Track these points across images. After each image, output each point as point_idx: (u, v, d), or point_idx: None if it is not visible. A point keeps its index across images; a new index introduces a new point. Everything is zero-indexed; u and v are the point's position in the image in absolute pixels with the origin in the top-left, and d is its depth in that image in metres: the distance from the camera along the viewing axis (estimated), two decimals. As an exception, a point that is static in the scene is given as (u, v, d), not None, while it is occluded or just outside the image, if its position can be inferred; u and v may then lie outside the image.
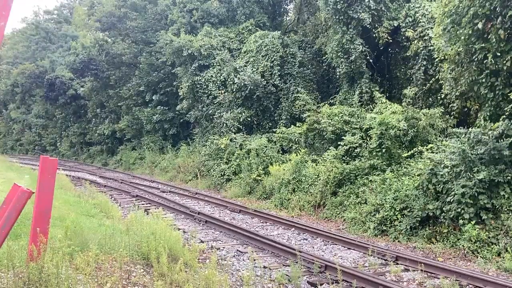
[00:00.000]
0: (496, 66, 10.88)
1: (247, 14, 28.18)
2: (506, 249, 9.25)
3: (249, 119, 23.15)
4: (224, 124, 23.45)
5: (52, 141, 51.22)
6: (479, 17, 10.91)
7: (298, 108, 20.72)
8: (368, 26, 17.87)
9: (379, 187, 12.91)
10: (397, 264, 9.07)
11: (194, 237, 11.17)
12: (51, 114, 50.06)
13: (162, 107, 32.36)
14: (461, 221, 10.11)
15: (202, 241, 11.02)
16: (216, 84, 25.29)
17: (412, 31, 16.86)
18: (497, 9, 10.46)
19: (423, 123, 14.23)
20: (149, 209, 14.83)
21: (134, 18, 34.27)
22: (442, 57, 13.54)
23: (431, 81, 16.04)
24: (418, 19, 16.98)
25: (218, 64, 25.58)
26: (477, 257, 9.34)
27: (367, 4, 17.62)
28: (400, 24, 17.78)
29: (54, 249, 5.98)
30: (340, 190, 14.54)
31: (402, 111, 14.82)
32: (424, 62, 16.44)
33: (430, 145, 12.93)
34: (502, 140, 10.29)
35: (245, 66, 23.38)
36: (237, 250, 10.31)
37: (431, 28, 15.52)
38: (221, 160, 22.07)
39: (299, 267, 8.39)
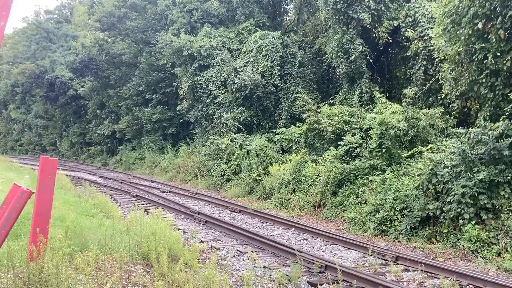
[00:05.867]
0: (496, 66, 10.88)
1: (247, 14, 28.17)
2: (506, 249, 9.26)
3: (249, 119, 23.15)
4: (224, 124, 23.45)
5: (52, 141, 51.24)
6: (479, 17, 10.90)
7: (298, 108, 20.71)
8: (368, 26, 17.86)
9: (379, 187, 12.91)
10: (397, 264, 9.07)
11: (194, 237, 11.17)
12: (51, 114, 50.08)
13: (162, 107, 32.38)
14: (461, 221, 10.11)
15: (202, 241, 11.02)
16: (216, 84, 25.29)
17: (412, 31, 16.85)
18: (497, 9, 10.45)
19: (423, 123, 14.23)
20: (149, 209, 14.83)
21: (134, 18, 34.28)
22: (442, 57, 13.54)
23: (431, 81, 16.03)
24: (418, 19, 16.97)
25: (218, 64, 25.57)
26: (477, 257, 9.34)
27: (367, 4, 17.61)
28: (400, 24, 17.77)
29: (54, 249, 5.97)
30: (340, 190, 14.54)
31: (402, 111, 14.81)
32: (424, 62, 16.43)
33: (430, 145, 12.92)
34: (502, 140, 10.29)
35: (245, 66, 23.38)
36: (237, 250, 10.31)
37: (431, 28, 15.52)
38: (221, 160, 22.08)
39: (299, 267, 8.39)
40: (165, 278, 6.73)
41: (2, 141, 63.13)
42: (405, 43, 17.89)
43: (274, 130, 21.63)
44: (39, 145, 53.70)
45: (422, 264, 8.49)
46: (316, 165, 16.27)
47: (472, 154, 10.55)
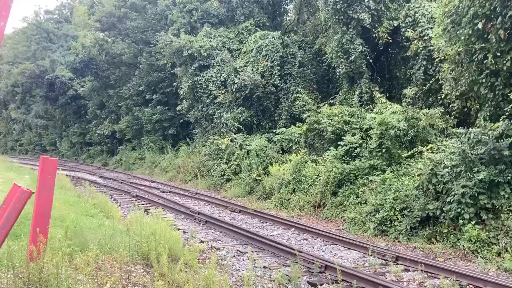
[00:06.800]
0: (496, 66, 10.87)
1: (247, 14, 28.17)
2: (506, 249, 9.25)
3: (249, 119, 23.15)
4: (224, 124, 23.45)
5: (52, 141, 51.25)
6: (479, 17, 10.90)
7: (298, 108, 20.70)
8: (368, 26, 17.86)
9: (379, 187, 12.90)
10: (397, 264, 9.07)
11: (194, 237, 11.17)
12: (51, 114, 50.08)
13: (162, 107, 32.38)
14: (461, 221, 10.11)
15: (202, 241, 11.01)
16: (216, 84, 25.29)
17: (412, 31, 16.84)
18: (497, 9, 10.46)
19: (423, 123, 14.22)
20: (149, 209, 14.84)
21: (134, 18, 34.28)
22: (442, 57, 13.53)
23: (431, 81, 16.03)
24: (418, 19, 16.97)
25: (218, 64, 25.58)
26: (477, 257, 9.34)
27: (367, 4, 17.60)
28: (400, 24, 17.76)
29: (54, 249, 5.98)
30: (340, 190, 14.53)
31: (402, 111, 14.81)
32: (424, 62, 16.42)
33: (430, 145, 12.92)
34: (502, 140, 10.28)
35: (245, 66, 23.38)
36: (237, 250, 10.31)
37: (431, 28, 15.51)
38: (221, 160, 22.07)
39: (299, 267, 8.40)
40: (165, 278, 6.73)
41: (2, 141, 63.15)
42: (405, 43, 17.88)
43: (274, 130, 21.62)
44: (39, 145, 53.70)
45: (422, 264, 8.49)
46: (316, 165, 16.26)
47: (472, 154, 10.54)
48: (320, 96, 22.25)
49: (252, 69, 22.74)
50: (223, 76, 25.02)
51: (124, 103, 36.34)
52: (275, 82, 22.44)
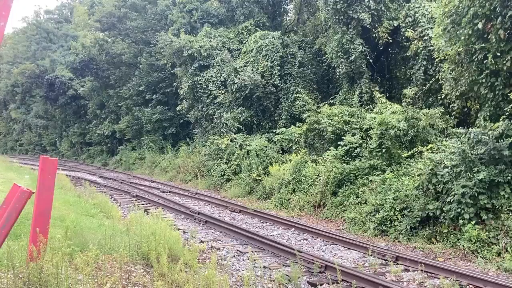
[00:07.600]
0: (496, 66, 10.88)
1: (247, 14, 28.18)
2: (506, 249, 9.25)
3: (249, 119, 23.15)
4: (224, 124, 23.46)
5: (52, 141, 51.25)
6: (479, 17, 10.91)
7: (298, 108, 20.71)
8: (368, 26, 17.87)
9: (379, 187, 12.90)
10: (397, 264, 9.07)
11: (194, 237, 11.17)
12: (51, 114, 50.09)
13: (162, 107, 32.39)
14: (461, 221, 10.11)
15: (202, 241, 11.02)
16: (216, 84, 25.30)
17: (412, 31, 16.84)
18: (497, 9, 10.46)
19: (423, 123, 14.23)
20: (149, 209, 14.83)
21: (134, 18, 34.30)
22: (442, 57, 13.53)
23: (431, 81, 16.03)
24: (418, 19, 16.97)
25: (218, 64, 25.58)
26: (477, 257, 9.34)
27: (367, 4, 17.61)
28: (400, 24, 17.77)
29: (54, 249, 5.98)
30: (340, 190, 14.53)
31: (402, 111, 14.81)
32: (424, 62, 16.43)
33: (430, 145, 12.92)
34: (502, 140, 10.28)
35: (245, 66, 23.38)
36: (237, 250, 10.31)
37: (431, 28, 15.52)
38: (221, 160, 22.08)
39: (299, 267, 8.40)
40: (165, 278, 6.73)
41: (2, 141, 63.15)
42: (405, 43, 17.89)
43: (274, 130, 21.62)
44: (39, 145, 53.71)
45: (422, 264, 8.49)
46: (316, 165, 16.26)
47: (472, 154, 10.54)
48: (320, 96, 22.26)
49: (252, 69, 22.74)
50: (223, 76, 25.03)
51: (124, 103, 36.34)
52: (275, 82, 22.44)
